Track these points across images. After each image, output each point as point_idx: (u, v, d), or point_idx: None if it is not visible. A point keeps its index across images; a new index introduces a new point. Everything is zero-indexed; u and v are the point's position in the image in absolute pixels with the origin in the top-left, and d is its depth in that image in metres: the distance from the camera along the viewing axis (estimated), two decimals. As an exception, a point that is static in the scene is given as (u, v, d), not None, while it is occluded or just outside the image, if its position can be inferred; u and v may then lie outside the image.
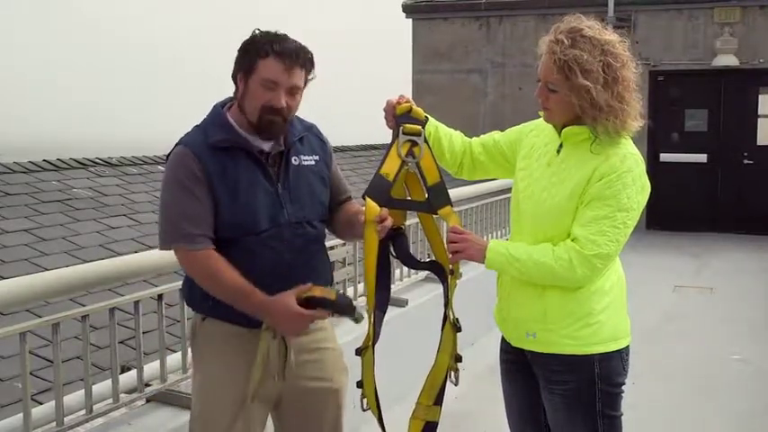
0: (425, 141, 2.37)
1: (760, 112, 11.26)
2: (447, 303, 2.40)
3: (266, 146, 2.28)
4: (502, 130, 2.57)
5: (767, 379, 5.09)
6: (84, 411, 2.78)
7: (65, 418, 2.67)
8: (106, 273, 2.85)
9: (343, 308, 2.20)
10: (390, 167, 2.32)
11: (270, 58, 2.19)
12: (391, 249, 2.40)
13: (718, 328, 6.30)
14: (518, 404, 2.49)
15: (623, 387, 2.34)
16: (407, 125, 2.35)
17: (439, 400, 2.45)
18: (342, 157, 10.81)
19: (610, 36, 2.21)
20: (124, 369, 3.25)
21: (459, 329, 2.41)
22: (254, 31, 2.26)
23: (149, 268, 3.06)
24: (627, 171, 2.18)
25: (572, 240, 2.19)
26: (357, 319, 2.19)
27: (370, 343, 2.36)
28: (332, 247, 3.66)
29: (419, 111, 2.39)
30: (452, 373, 2.45)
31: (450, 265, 2.37)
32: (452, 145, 2.52)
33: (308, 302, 2.17)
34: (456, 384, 2.45)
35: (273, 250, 2.23)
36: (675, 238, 10.63)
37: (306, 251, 2.30)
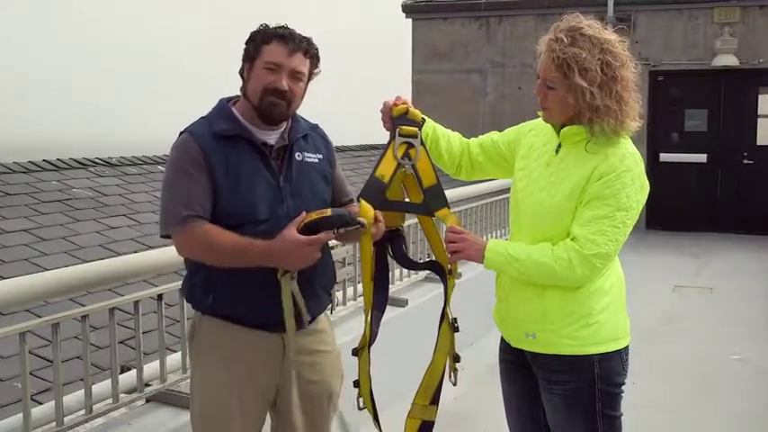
0: (422, 143, 2.37)
1: (760, 112, 11.26)
2: (445, 303, 2.40)
3: (270, 139, 2.30)
4: (501, 131, 2.57)
5: (767, 379, 5.09)
6: (83, 411, 2.78)
7: (64, 418, 2.68)
8: (106, 273, 2.85)
9: (343, 220, 2.19)
10: (386, 169, 2.33)
11: (273, 42, 2.25)
12: (389, 250, 2.41)
13: (718, 328, 6.30)
14: (517, 404, 2.49)
15: (623, 387, 2.34)
16: (404, 127, 2.35)
17: (435, 400, 2.45)
18: (342, 157, 10.75)
19: (609, 35, 2.21)
20: (124, 369, 3.25)
21: (456, 330, 2.41)
22: (259, 25, 2.31)
23: (149, 268, 3.06)
24: (626, 170, 2.18)
25: (571, 240, 2.19)
26: (361, 224, 2.18)
27: (367, 343, 2.37)
28: (332, 247, 3.65)
29: (416, 112, 2.39)
30: (452, 374, 2.45)
31: (449, 265, 2.37)
32: (450, 146, 2.52)
33: (308, 229, 2.16)
34: (455, 385, 2.46)
35: None
36: (675, 238, 10.63)
37: None
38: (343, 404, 2.53)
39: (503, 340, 2.49)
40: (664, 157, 11.44)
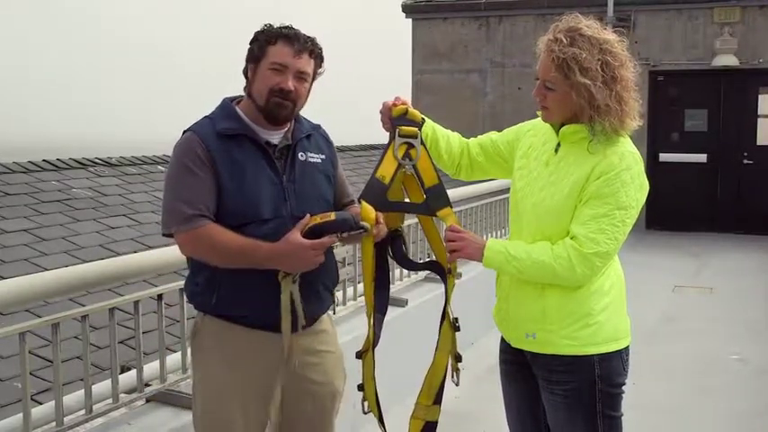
0: (422, 143, 2.36)
1: (760, 112, 11.26)
2: (446, 303, 2.40)
3: (274, 138, 2.30)
4: (500, 131, 2.57)
5: (767, 379, 5.09)
6: (83, 411, 2.78)
7: (64, 418, 2.67)
8: (106, 273, 2.84)
9: (347, 224, 2.18)
10: (386, 170, 2.32)
11: (279, 43, 2.24)
12: (389, 251, 2.41)
13: (718, 328, 6.31)
14: (518, 404, 2.48)
15: (623, 387, 2.34)
16: (404, 127, 2.35)
17: (438, 400, 2.45)
18: (342, 157, 10.76)
19: (608, 35, 2.21)
20: (124, 369, 3.24)
21: (457, 329, 2.41)
22: (263, 25, 2.30)
23: (149, 268, 3.06)
24: (625, 169, 2.18)
25: (571, 239, 2.19)
26: (364, 229, 2.18)
27: (370, 346, 2.37)
28: (332, 247, 3.66)
29: (415, 112, 2.39)
30: (454, 374, 2.45)
31: (449, 265, 2.37)
32: (450, 146, 2.52)
33: (312, 233, 2.16)
34: (457, 384, 2.46)
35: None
36: (675, 238, 10.63)
37: None
38: (345, 405, 2.53)
39: (503, 340, 2.49)
40: (664, 157, 11.45)
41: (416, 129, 2.36)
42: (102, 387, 2.94)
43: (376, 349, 2.39)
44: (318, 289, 2.35)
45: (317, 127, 2.46)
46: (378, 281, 2.37)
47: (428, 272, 2.67)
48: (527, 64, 11.47)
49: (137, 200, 7.93)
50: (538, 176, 2.31)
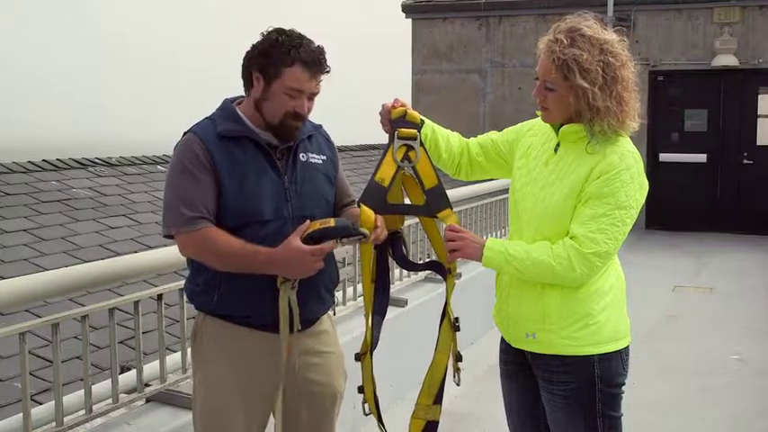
0: (421, 145, 2.36)
1: (759, 112, 11.27)
2: (445, 303, 2.40)
3: (275, 140, 2.29)
4: (500, 131, 2.57)
5: (767, 379, 5.09)
6: (83, 411, 2.78)
7: (64, 419, 2.67)
8: (106, 273, 2.84)
9: (347, 230, 2.18)
10: (386, 173, 2.32)
11: (296, 66, 2.20)
12: (389, 252, 2.40)
13: (718, 328, 6.31)
14: (517, 404, 2.48)
15: (623, 387, 2.33)
16: (403, 129, 2.34)
17: (439, 400, 2.45)
18: (342, 158, 10.78)
19: (609, 36, 2.21)
20: (124, 369, 3.24)
21: (457, 329, 2.41)
22: (271, 32, 2.25)
23: (149, 268, 3.05)
24: (625, 169, 2.18)
25: (570, 238, 2.19)
26: (363, 235, 2.18)
27: (369, 349, 2.36)
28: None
29: (414, 114, 2.39)
30: (455, 373, 2.45)
31: (448, 264, 2.37)
32: (449, 146, 2.52)
33: (311, 239, 2.16)
34: (458, 384, 2.46)
35: (278, 244, 2.20)
36: (675, 238, 10.63)
37: None
38: (345, 405, 2.53)
39: (503, 341, 2.48)
40: (663, 157, 11.46)
41: (415, 130, 2.36)
42: (101, 387, 2.94)
43: (376, 349, 2.39)
44: (319, 290, 2.35)
45: (319, 127, 2.45)
46: (377, 283, 2.37)
47: (428, 272, 2.67)
48: (527, 64, 11.47)
49: (136, 200, 7.93)
50: (537, 176, 2.31)
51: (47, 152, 11.15)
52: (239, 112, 2.31)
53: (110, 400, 2.89)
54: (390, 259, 2.45)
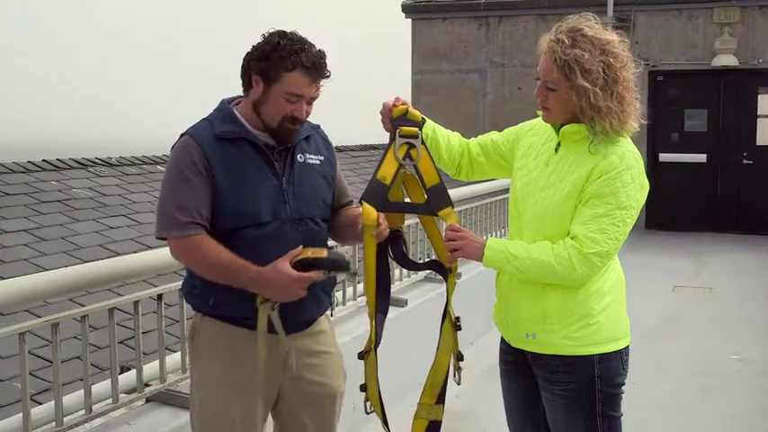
0: (423, 143, 2.36)
1: (759, 112, 11.26)
2: (446, 302, 2.40)
3: (273, 140, 2.29)
4: (500, 131, 2.57)
5: (767, 379, 5.08)
6: (83, 411, 2.78)
7: (64, 419, 2.67)
8: (105, 273, 2.84)
9: (337, 264, 2.18)
10: (387, 171, 2.32)
11: (296, 71, 2.19)
12: (389, 252, 2.40)
13: (718, 328, 6.31)
14: (517, 404, 2.48)
15: (623, 387, 2.33)
16: (404, 128, 2.34)
17: (441, 399, 2.45)
18: (342, 158, 10.77)
19: (610, 36, 2.21)
20: (123, 369, 3.24)
21: (458, 328, 2.41)
22: (272, 34, 2.24)
23: (149, 268, 3.05)
24: (626, 169, 2.18)
25: (571, 238, 2.19)
26: (353, 273, 2.17)
27: (373, 346, 2.36)
28: (331, 247, 3.66)
29: (415, 113, 2.39)
30: (456, 373, 2.45)
31: (449, 264, 2.37)
32: (450, 146, 2.52)
33: (301, 266, 2.15)
34: (459, 383, 2.46)
35: (276, 246, 2.21)
36: (675, 238, 10.63)
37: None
38: (345, 405, 2.52)
39: (503, 340, 2.48)
40: (663, 157, 11.45)
41: (417, 129, 2.36)
42: (101, 387, 2.94)
43: (377, 350, 2.39)
44: (316, 290, 2.35)
45: (317, 127, 2.45)
46: (379, 281, 2.37)
47: (428, 272, 2.67)
48: (527, 64, 11.47)
49: (136, 200, 7.93)
50: (538, 176, 2.30)
51: (47, 152, 11.15)
52: (236, 113, 2.30)
53: (109, 401, 2.89)
54: (391, 259, 2.45)
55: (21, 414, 2.58)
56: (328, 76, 2.27)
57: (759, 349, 5.71)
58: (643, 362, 4.30)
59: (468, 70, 12.58)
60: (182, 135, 2.29)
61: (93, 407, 2.79)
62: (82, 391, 2.79)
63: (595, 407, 2.28)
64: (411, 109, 2.39)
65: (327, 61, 2.26)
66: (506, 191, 2.88)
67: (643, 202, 2.24)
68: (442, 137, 2.50)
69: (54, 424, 2.66)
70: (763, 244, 10.13)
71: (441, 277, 2.46)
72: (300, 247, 2.18)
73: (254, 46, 2.26)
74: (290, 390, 2.34)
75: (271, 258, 2.19)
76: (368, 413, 2.43)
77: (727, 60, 10.93)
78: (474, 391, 4.22)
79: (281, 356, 2.31)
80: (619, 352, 2.30)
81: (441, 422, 2.46)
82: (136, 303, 2.96)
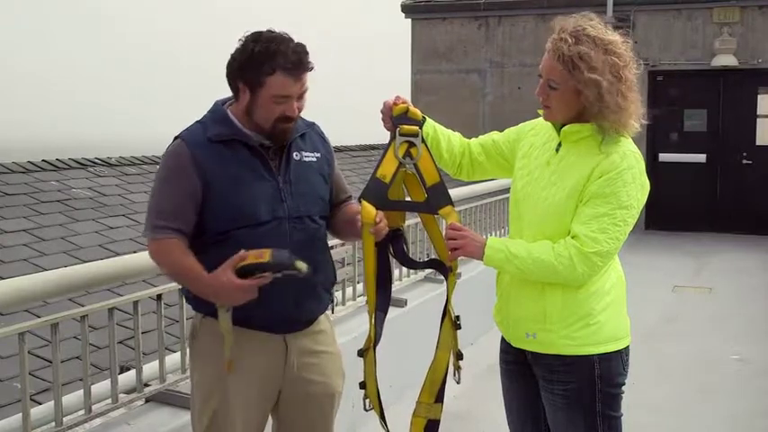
0: (423, 142, 2.36)
1: (759, 112, 11.27)
2: (446, 301, 2.40)
3: (267, 140, 2.29)
4: (500, 131, 2.57)
5: (767, 379, 5.08)
6: (83, 411, 2.77)
7: (64, 419, 2.67)
8: (105, 273, 2.84)
9: (281, 265, 2.13)
10: (387, 169, 2.32)
11: (277, 74, 2.18)
12: (390, 250, 2.40)
13: (718, 328, 6.31)
14: (518, 404, 2.48)
15: (623, 387, 2.33)
16: (404, 126, 2.34)
17: (440, 398, 2.45)
18: (341, 158, 10.80)
19: (613, 36, 2.21)
20: (123, 369, 3.24)
21: (458, 327, 2.41)
22: (246, 41, 2.22)
23: (148, 268, 3.04)
24: (627, 168, 2.18)
25: (572, 238, 2.18)
26: (300, 270, 2.13)
27: (372, 344, 2.36)
28: (331, 247, 3.66)
29: (416, 111, 2.39)
30: (456, 372, 2.45)
31: (449, 263, 2.37)
32: (451, 146, 2.51)
33: (245, 271, 2.13)
34: (459, 382, 2.46)
35: (275, 245, 2.19)
36: (674, 239, 10.63)
37: (307, 247, 2.29)
38: (344, 404, 2.52)
39: (503, 340, 2.48)
40: (663, 157, 11.45)
41: (417, 127, 2.36)
42: (101, 387, 2.94)
43: (376, 348, 2.39)
44: (317, 289, 2.35)
45: (312, 125, 2.44)
46: (379, 279, 2.37)
47: (428, 272, 2.67)
48: (527, 64, 11.47)
49: (136, 200, 7.93)
50: (539, 176, 2.30)
51: (47, 152, 11.15)
52: (230, 115, 2.29)
53: (109, 400, 2.89)
54: (392, 258, 2.45)
55: (20, 414, 2.57)
56: (312, 69, 2.24)
57: (759, 349, 5.71)
58: (643, 362, 4.29)
59: (468, 70, 12.58)
60: (175, 138, 2.29)
61: (93, 407, 2.79)
62: (81, 391, 2.79)
63: (595, 407, 2.28)
64: (411, 107, 2.38)
65: (308, 52, 2.22)
66: (506, 191, 2.88)
67: (644, 202, 2.24)
68: (442, 136, 2.50)
69: (54, 424, 2.66)
70: (763, 244, 10.13)
71: (440, 277, 2.46)
72: (242, 251, 2.15)
73: (232, 55, 2.24)
74: (289, 389, 2.34)
75: None
76: (366, 410, 2.43)
77: (726, 60, 10.93)
78: (473, 390, 4.22)
79: (281, 356, 2.31)
80: (619, 352, 2.30)
81: (439, 421, 2.45)
82: (135, 303, 2.95)
